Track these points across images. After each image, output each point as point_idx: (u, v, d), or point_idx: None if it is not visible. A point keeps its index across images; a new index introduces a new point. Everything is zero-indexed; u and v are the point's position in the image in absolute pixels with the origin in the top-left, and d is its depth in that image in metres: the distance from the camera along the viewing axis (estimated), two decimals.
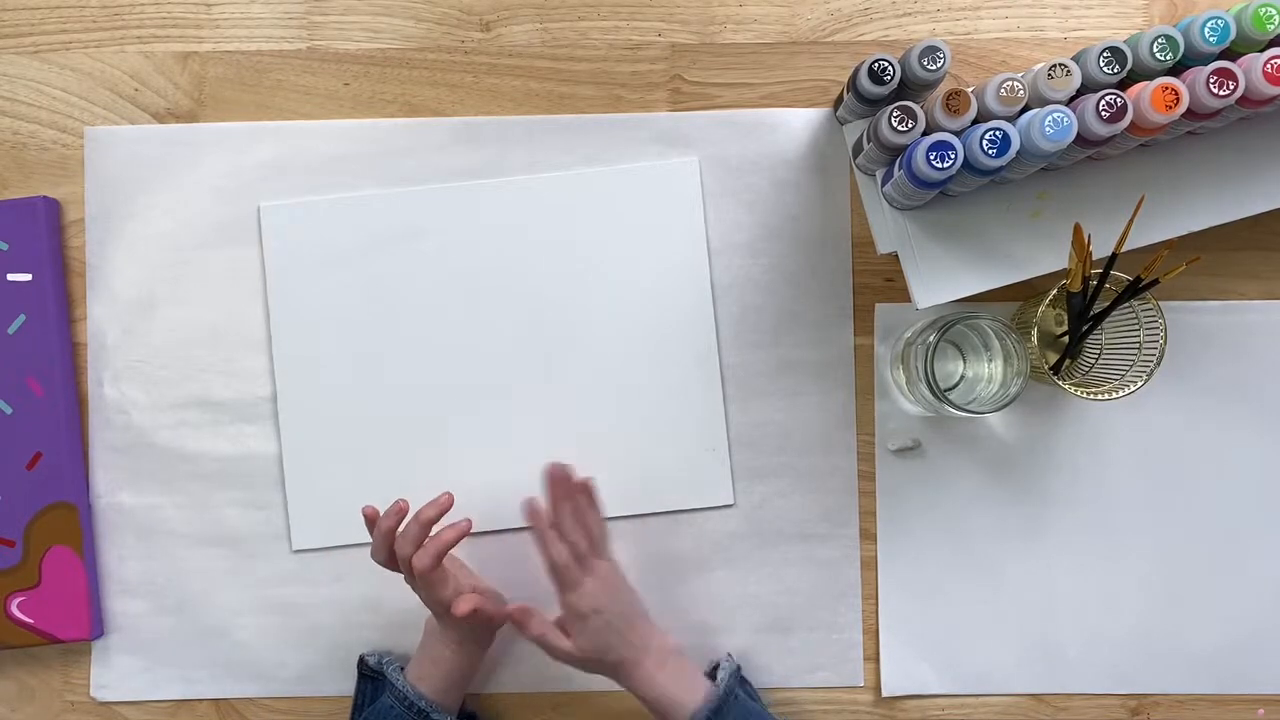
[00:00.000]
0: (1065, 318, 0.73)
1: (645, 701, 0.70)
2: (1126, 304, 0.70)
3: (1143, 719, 0.79)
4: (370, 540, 0.69)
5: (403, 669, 0.74)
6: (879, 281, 0.79)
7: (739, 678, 0.74)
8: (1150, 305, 0.71)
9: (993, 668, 0.79)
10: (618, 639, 0.70)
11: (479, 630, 0.73)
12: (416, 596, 0.77)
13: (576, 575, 0.69)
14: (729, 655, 0.76)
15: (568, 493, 0.71)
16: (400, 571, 0.69)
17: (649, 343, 0.78)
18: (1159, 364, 0.70)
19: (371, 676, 0.76)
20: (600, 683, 0.79)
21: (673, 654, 0.72)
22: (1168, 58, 0.65)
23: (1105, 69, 0.66)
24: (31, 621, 0.76)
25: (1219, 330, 0.79)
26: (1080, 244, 0.67)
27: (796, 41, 0.79)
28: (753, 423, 0.79)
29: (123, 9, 0.79)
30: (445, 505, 0.69)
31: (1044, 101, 0.66)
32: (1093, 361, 0.76)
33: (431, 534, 0.68)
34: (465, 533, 0.69)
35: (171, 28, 0.79)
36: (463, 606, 0.68)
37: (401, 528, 0.68)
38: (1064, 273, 0.70)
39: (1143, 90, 0.64)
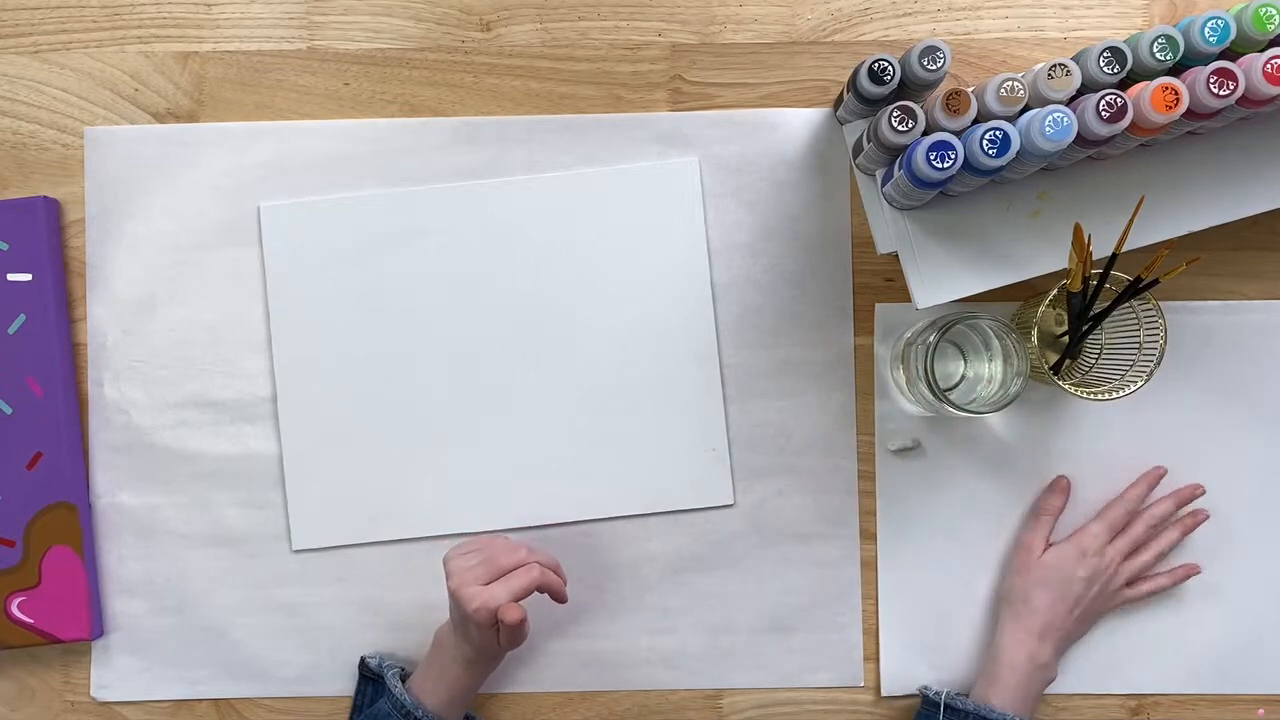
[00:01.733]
0: (1065, 318, 0.73)
1: (994, 648, 0.75)
2: (1126, 304, 0.70)
3: (1143, 719, 0.79)
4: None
5: (402, 674, 0.74)
6: (879, 281, 0.79)
7: None
8: (1150, 305, 0.71)
9: None
10: (1048, 610, 0.74)
11: (495, 648, 0.71)
12: (413, 596, 0.77)
13: (1123, 539, 0.76)
14: None
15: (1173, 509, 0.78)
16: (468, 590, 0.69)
17: (649, 343, 0.78)
18: (1159, 364, 0.70)
19: (373, 679, 0.76)
20: (600, 682, 0.79)
21: (1040, 677, 0.75)
22: (1168, 58, 0.65)
23: (1105, 69, 0.66)
24: (31, 621, 0.76)
25: (1219, 330, 0.79)
26: (1080, 244, 0.67)
27: (796, 41, 0.79)
28: (753, 423, 0.79)
29: (123, 9, 0.79)
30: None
31: (1044, 101, 0.66)
32: (1093, 361, 0.76)
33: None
34: (549, 587, 0.71)
35: (171, 28, 0.79)
36: (514, 614, 0.66)
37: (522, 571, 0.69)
38: (1064, 273, 0.70)
39: (1143, 90, 0.64)
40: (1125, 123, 0.63)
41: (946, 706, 0.73)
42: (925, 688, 0.77)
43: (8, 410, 0.77)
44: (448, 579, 0.69)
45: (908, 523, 0.79)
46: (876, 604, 0.79)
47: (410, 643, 0.78)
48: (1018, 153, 0.64)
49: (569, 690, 0.79)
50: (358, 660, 0.78)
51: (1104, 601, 0.76)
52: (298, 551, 0.78)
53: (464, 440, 0.78)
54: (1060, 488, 0.78)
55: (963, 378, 0.77)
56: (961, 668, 0.78)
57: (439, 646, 0.73)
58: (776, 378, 0.79)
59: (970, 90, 0.67)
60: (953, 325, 0.71)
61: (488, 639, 0.69)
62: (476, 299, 0.78)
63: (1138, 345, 0.72)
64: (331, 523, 0.78)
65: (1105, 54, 0.66)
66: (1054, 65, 0.66)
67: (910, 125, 0.67)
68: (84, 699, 0.79)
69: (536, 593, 0.69)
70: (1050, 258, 0.72)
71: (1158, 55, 0.65)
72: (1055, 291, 0.70)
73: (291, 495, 0.78)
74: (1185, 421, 0.79)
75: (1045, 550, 0.76)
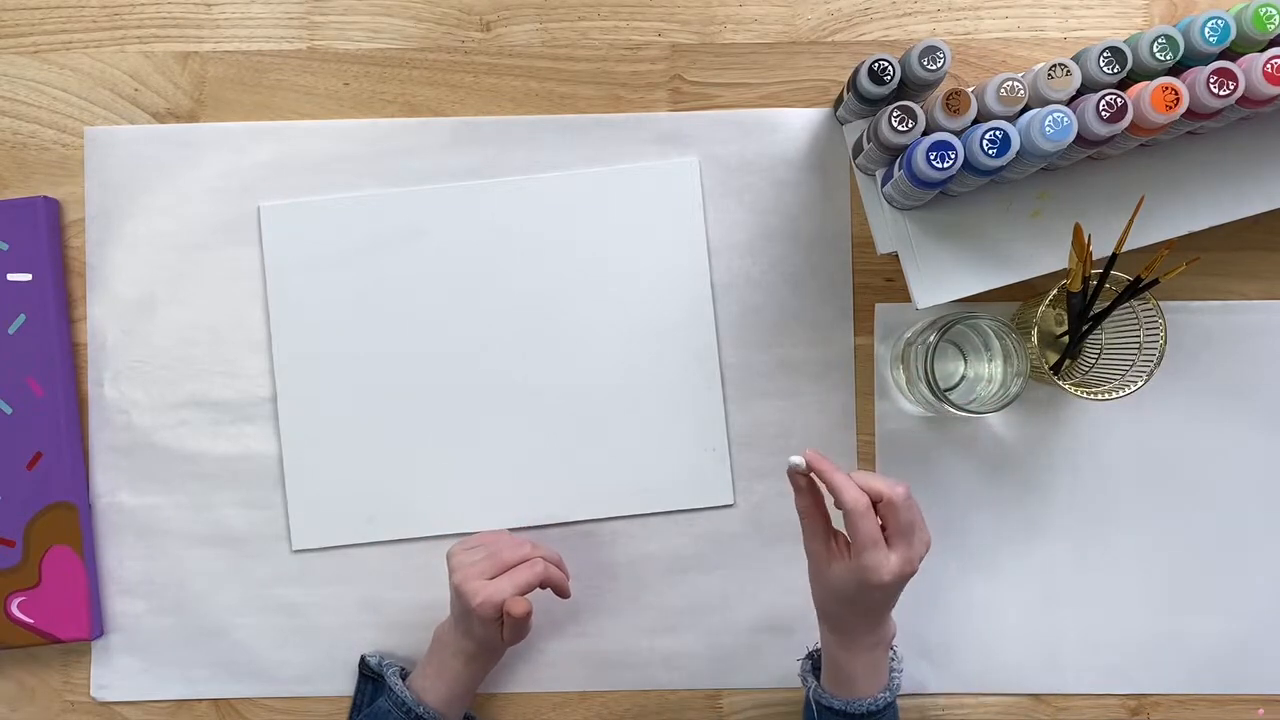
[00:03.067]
0: (1065, 318, 0.73)
1: (830, 661, 0.69)
2: (1126, 304, 0.70)
3: (1143, 719, 0.79)
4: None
5: (402, 673, 0.74)
6: (879, 281, 0.79)
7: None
8: (1150, 305, 0.71)
9: (993, 668, 0.79)
10: (868, 629, 0.67)
11: (497, 643, 0.71)
12: (413, 596, 0.77)
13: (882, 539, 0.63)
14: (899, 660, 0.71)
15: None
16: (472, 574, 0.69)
17: (649, 342, 0.78)
18: (1159, 364, 0.70)
19: (373, 678, 0.76)
20: (600, 682, 0.79)
21: (884, 651, 0.69)
22: (1168, 58, 0.65)
23: (1105, 69, 0.66)
24: (31, 621, 0.76)
25: (1219, 330, 0.79)
26: (1080, 244, 0.67)
27: (796, 41, 0.79)
28: (753, 423, 0.79)
29: (123, 9, 0.79)
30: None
31: (1044, 101, 0.66)
32: (1093, 361, 0.76)
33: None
34: (552, 582, 0.72)
35: (171, 28, 0.79)
36: (520, 607, 0.67)
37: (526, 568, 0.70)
38: (1064, 273, 0.70)
39: (1143, 90, 0.64)
40: (1125, 123, 0.63)
41: (818, 704, 0.69)
42: (810, 685, 0.71)
43: (8, 410, 0.77)
44: (451, 574, 0.70)
45: None
46: None
47: (410, 642, 0.78)
48: (1018, 153, 0.64)
49: (569, 690, 0.79)
50: (358, 660, 0.78)
51: (906, 580, 0.66)
52: (298, 551, 0.78)
53: (464, 440, 0.78)
54: (798, 485, 0.66)
55: (963, 378, 0.77)
56: (962, 666, 0.78)
57: (439, 643, 0.73)
58: (776, 378, 0.79)
59: (970, 90, 0.67)
60: (953, 325, 0.71)
61: (490, 634, 0.69)
62: (476, 299, 0.78)
63: (1138, 345, 0.72)
64: (331, 523, 0.78)
65: (1105, 54, 0.66)
66: (1054, 65, 0.66)
67: (910, 125, 0.67)
68: (84, 699, 0.79)
69: (540, 588, 0.70)
70: (1050, 258, 0.72)
71: (1158, 55, 0.65)
72: (1055, 291, 0.70)
73: (291, 495, 0.78)
74: (1185, 421, 0.79)
75: (834, 565, 0.66)
